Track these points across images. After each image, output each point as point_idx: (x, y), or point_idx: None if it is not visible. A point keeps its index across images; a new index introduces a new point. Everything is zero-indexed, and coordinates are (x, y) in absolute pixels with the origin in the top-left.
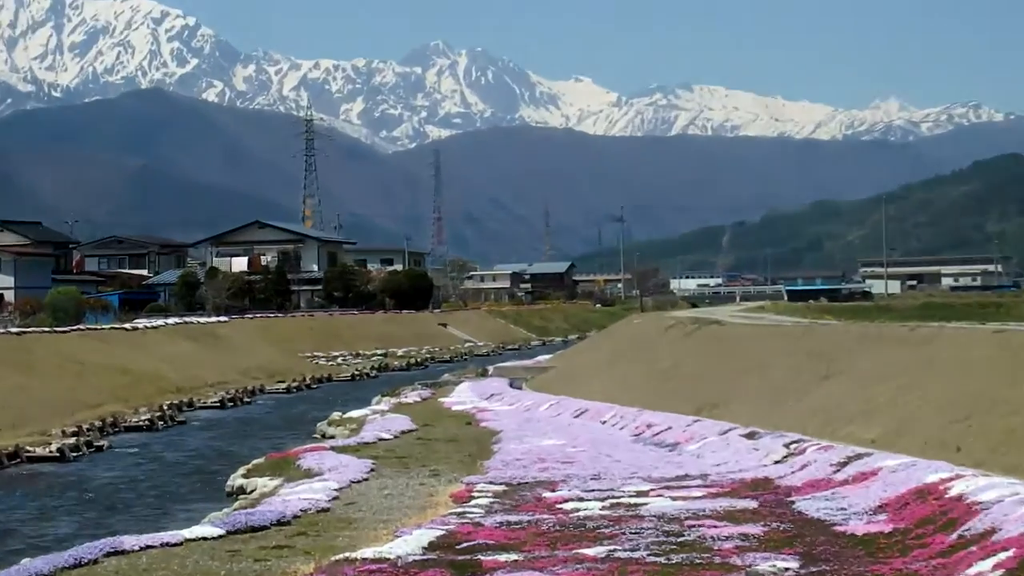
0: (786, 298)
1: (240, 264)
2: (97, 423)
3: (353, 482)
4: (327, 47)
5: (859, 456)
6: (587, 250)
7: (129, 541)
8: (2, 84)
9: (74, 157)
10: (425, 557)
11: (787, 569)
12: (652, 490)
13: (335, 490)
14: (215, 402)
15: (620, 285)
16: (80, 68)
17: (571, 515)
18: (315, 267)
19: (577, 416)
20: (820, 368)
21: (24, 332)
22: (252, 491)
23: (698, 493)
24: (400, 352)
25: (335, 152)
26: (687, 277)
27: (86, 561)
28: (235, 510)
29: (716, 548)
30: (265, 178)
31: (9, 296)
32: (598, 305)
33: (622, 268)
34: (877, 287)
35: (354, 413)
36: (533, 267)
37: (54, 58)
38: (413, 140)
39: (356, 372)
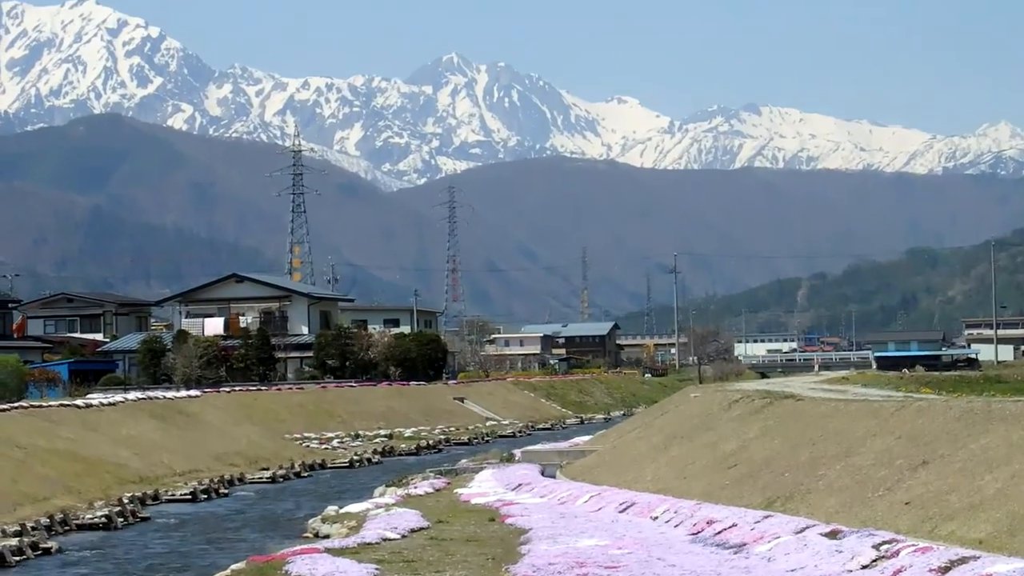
0: (875, 366)
1: (214, 326)
2: (44, 520)
3: None
4: (318, 62)
5: (964, 560)
6: (633, 308)
7: None
8: None
9: (13, 196)
10: None
11: None
12: None
13: None
14: (185, 494)
15: (674, 351)
16: (21, 89)
17: None
18: (305, 329)
19: (623, 511)
20: (916, 453)
21: None
22: None
23: None
24: (408, 432)
25: (329, 189)
26: (755, 341)
27: None
28: None
29: None
30: (243, 222)
31: None
32: (647, 375)
33: (676, 330)
34: (985, 353)
35: (353, 507)
36: (568, 329)
37: None
38: (422, 175)
39: (355, 457)
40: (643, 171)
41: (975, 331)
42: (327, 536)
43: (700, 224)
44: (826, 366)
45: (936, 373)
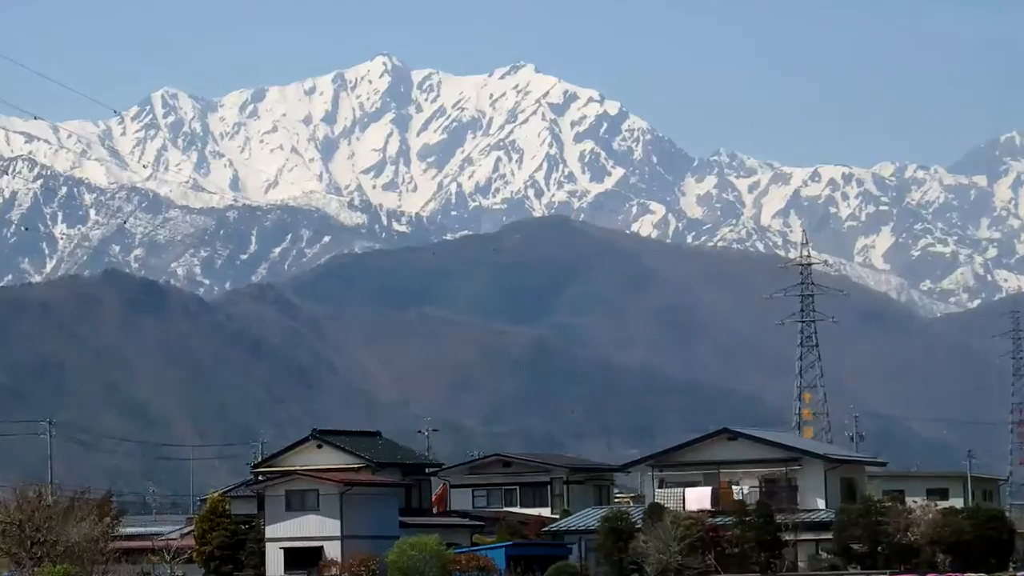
0: None
1: (699, 498)
2: None
3: None
4: (831, 146)
5: None
6: None
7: None
8: (313, 212)
9: (427, 327)
10: None
11: None
12: None
13: None
14: None
15: None
16: (437, 186)
17: None
18: (820, 502)
19: None
20: None
21: None
22: None
23: None
24: None
25: (849, 316)
26: None
27: None
28: None
29: None
30: (733, 359)
31: (332, 549)
32: None
33: None
34: None
35: None
36: None
37: (396, 171)
38: (975, 295)
39: None
40: None
41: None
42: None
43: None
44: None
45: None
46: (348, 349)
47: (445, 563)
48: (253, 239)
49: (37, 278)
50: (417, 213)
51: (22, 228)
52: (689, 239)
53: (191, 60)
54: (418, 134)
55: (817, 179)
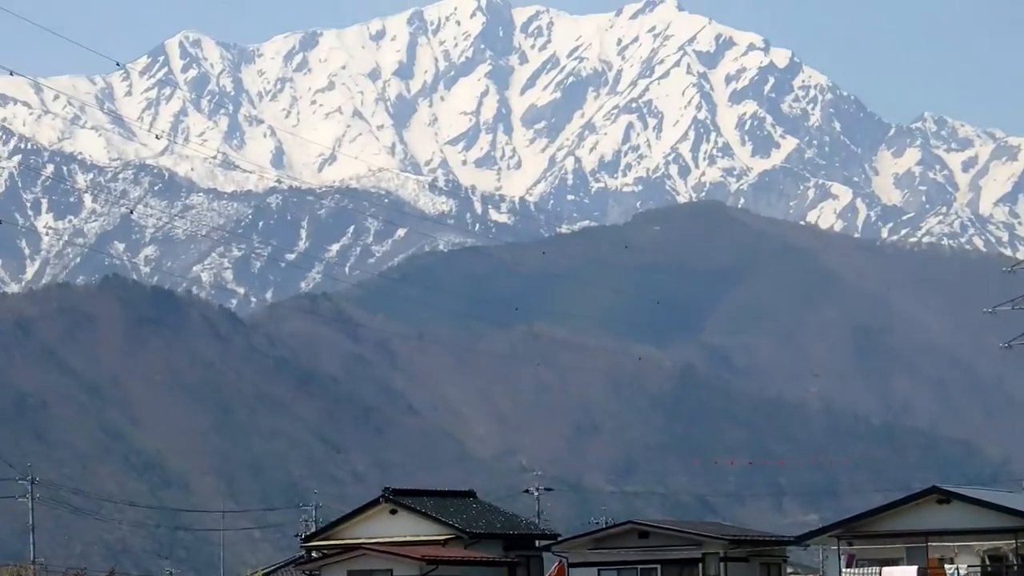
0: None
1: None
2: None
3: None
4: None
5: None
6: None
7: None
8: (383, 196)
9: (534, 348)
10: None
11: None
12: None
13: None
14: None
15: None
16: (548, 161)
17: None
18: None
19: None
20: None
21: None
22: None
23: None
24: None
25: None
26: None
27: None
28: None
29: None
30: (943, 391)
31: None
32: None
33: None
34: None
35: None
36: None
37: (492, 141)
38: None
39: None
40: None
41: None
42: None
43: None
44: None
45: None
46: (430, 381)
47: None
48: (303, 233)
49: (14, 287)
50: (522, 198)
51: None
52: (884, 233)
53: None
54: (522, 92)
55: None
